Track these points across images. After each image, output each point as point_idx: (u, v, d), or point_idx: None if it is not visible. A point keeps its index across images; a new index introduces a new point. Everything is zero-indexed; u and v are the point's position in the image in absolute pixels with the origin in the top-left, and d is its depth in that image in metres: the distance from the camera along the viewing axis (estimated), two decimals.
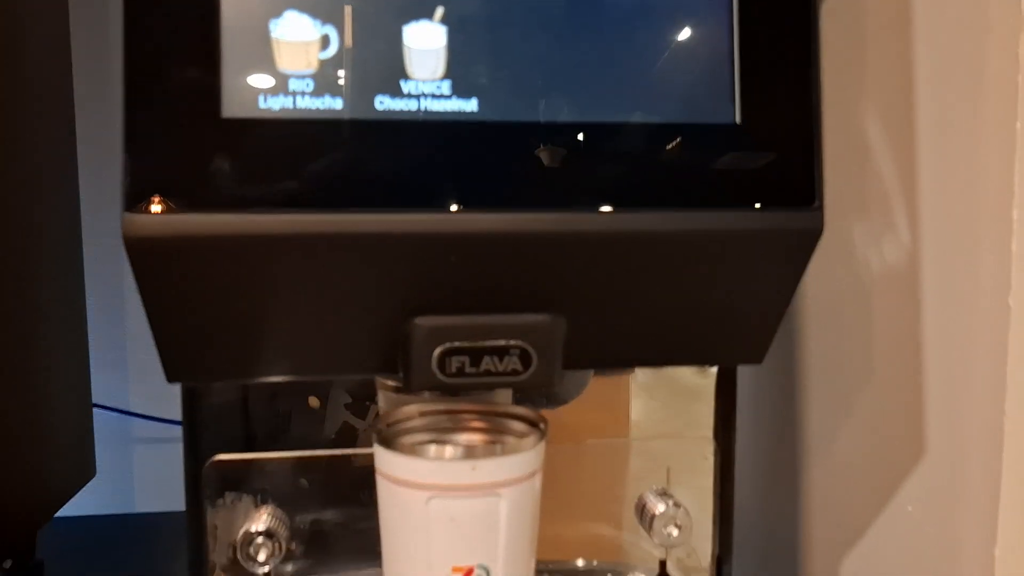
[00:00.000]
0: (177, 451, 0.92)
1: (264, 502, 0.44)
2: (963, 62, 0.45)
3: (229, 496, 0.43)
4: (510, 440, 0.38)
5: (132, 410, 0.89)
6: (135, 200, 0.32)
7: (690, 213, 0.35)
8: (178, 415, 0.88)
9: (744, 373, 0.69)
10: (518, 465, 0.37)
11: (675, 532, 0.45)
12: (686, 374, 0.48)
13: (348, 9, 0.33)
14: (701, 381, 0.47)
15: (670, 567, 0.47)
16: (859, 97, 0.53)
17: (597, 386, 0.48)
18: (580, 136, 0.35)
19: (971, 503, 0.45)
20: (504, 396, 0.43)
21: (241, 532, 0.43)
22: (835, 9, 0.56)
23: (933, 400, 0.47)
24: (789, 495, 0.62)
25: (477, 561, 0.37)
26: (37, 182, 0.64)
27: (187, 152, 0.32)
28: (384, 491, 0.38)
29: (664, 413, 0.47)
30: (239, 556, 0.42)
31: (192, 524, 0.43)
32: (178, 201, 0.32)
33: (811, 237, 0.36)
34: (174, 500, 0.88)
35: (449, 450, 0.36)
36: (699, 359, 0.43)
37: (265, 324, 0.36)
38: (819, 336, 0.59)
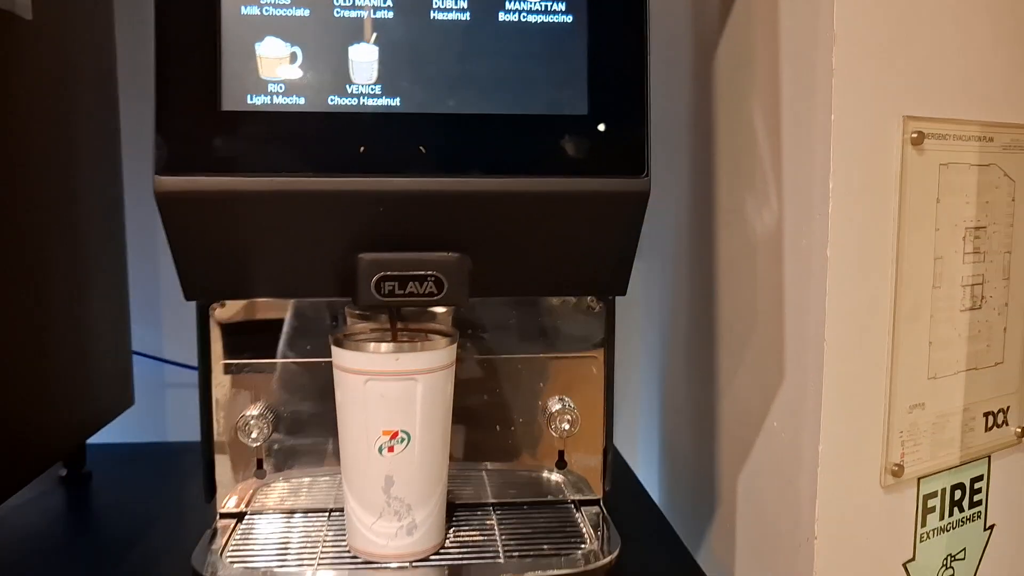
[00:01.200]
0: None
1: (256, 397, 0.59)
2: (804, 71, 0.58)
3: (230, 390, 0.58)
4: (426, 341, 0.52)
5: (166, 358, 1.05)
6: (163, 167, 0.47)
7: (553, 179, 0.49)
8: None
9: (680, 323, 0.83)
10: (430, 359, 0.52)
11: (567, 426, 0.60)
12: (582, 307, 0.62)
13: (309, 34, 0.48)
14: (593, 310, 0.61)
15: (567, 456, 0.62)
16: (749, 97, 0.67)
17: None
18: (473, 124, 0.49)
19: (807, 415, 0.58)
20: (445, 321, 0.57)
21: (241, 415, 0.58)
22: (733, 32, 0.70)
23: (789, 336, 0.61)
24: (708, 423, 0.77)
25: (400, 427, 0.51)
26: (86, 158, 0.80)
27: (198, 133, 0.47)
28: (337, 378, 0.53)
29: (564, 336, 0.62)
30: (238, 433, 0.58)
31: (204, 413, 0.58)
32: (192, 167, 0.47)
33: (643, 197, 0.50)
34: (198, 432, 1.05)
35: (383, 347, 0.51)
36: (572, 291, 0.57)
37: (255, 258, 0.51)
38: (726, 288, 0.73)
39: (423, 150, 0.48)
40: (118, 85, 0.87)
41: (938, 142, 0.59)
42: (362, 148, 0.48)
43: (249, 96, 0.48)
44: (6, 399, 0.63)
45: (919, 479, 0.62)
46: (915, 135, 0.57)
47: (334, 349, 0.52)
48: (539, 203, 0.50)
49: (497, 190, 0.49)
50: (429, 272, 0.51)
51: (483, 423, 0.61)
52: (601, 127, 0.49)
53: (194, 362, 1.04)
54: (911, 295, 0.58)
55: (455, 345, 0.54)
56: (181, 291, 0.52)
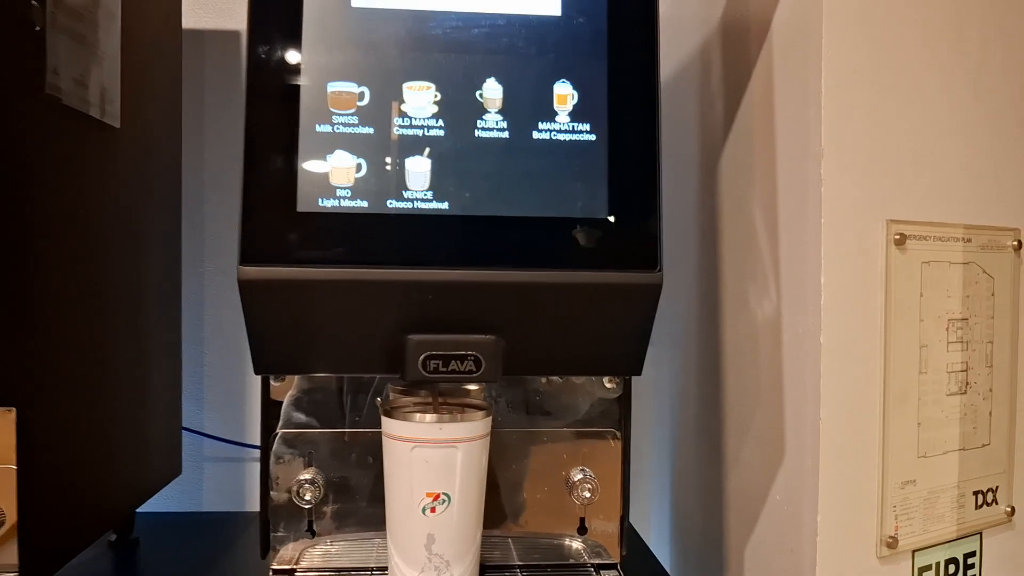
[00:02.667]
0: (238, 466, 1.14)
1: (309, 463, 0.66)
2: (797, 180, 0.66)
3: (287, 456, 0.65)
4: (466, 413, 0.59)
5: (208, 432, 1.12)
6: (246, 258, 0.55)
7: (577, 272, 0.57)
8: (239, 437, 1.11)
9: (689, 401, 0.89)
10: (470, 429, 0.59)
11: (588, 494, 0.66)
12: (601, 385, 0.69)
13: (372, 148, 0.57)
14: (611, 390, 0.68)
15: (588, 523, 0.68)
16: (750, 200, 0.76)
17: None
18: (509, 224, 0.57)
19: (806, 488, 0.64)
20: (477, 396, 0.65)
21: (295, 479, 0.64)
22: (735, 142, 0.79)
23: (789, 414, 0.67)
24: (716, 497, 0.82)
25: (442, 490, 0.58)
26: (153, 249, 0.89)
27: (276, 230, 0.55)
28: (386, 445, 0.60)
29: (586, 413, 0.68)
30: (292, 496, 0.64)
31: (263, 476, 0.65)
32: (270, 259, 0.55)
33: (656, 289, 0.57)
34: (234, 502, 1.11)
35: (427, 417, 0.58)
36: (592, 371, 0.64)
37: (319, 338, 0.58)
38: (731, 370, 0.80)
39: (466, 246, 0.57)
40: (181, 184, 0.97)
41: (920, 242, 0.66)
42: (415, 244, 0.56)
43: (320, 199, 0.56)
44: (73, 469, 0.70)
45: (914, 552, 0.67)
46: (898, 236, 0.65)
47: (384, 419, 0.59)
48: (564, 293, 0.58)
49: (528, 281, 0.57)
50: (469, 352, 0.58)
51: (511, 491, 0.67)
52: (619, 228, 0.57)
53: (231, 437, 1.12)
54: (899, 379, 0.65)
55: (490, 417, 0.61)
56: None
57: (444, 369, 0.58)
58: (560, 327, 0.59)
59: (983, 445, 0.72)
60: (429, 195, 0.57)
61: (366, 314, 0.58)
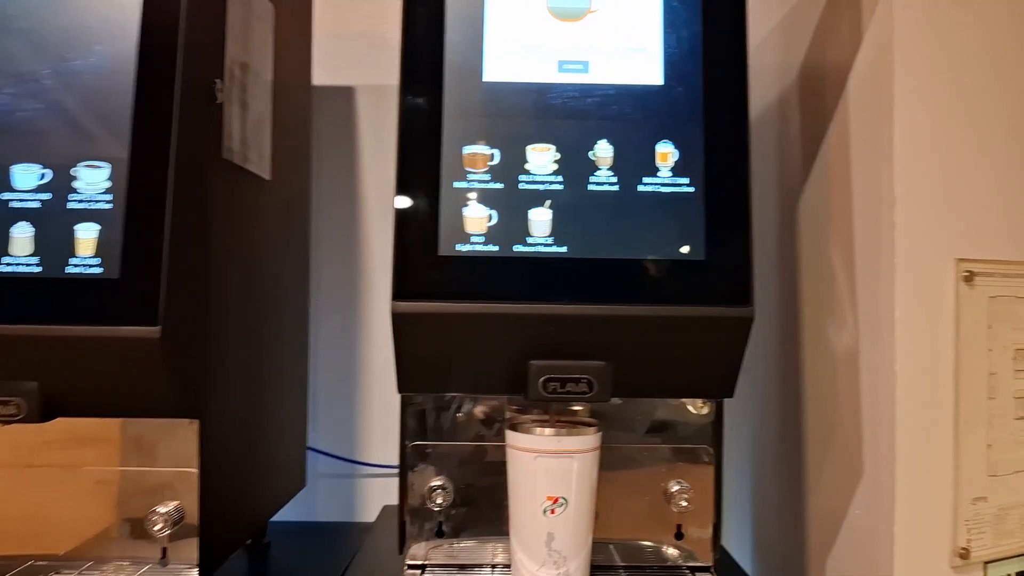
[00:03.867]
0: (346, 482, 1.24)
1: (440, 472, 0.75)
2: (871, 223, 0.74)
3: (420, 466, 0.75)
4: (579, 429, 0.69)
5: (321, 449, 1.23)
6: (398, 294, 0.65)
7: (677, 307, 0.66)
8: (348, 454, 1.21)
9: (770, 427, 0.97)
10: (584, 442, 0.68)
11: (684, 503, 0.74)
12: (694, 407, 0.77)
13: (502, 200, 0.67)
14: (703, 411, 0.76)
15: (684, 529, 0.76)
16: (828, 240, 0.83)
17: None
18: (620, 266, 0.66)
19: (883, 502, 0.71)
20: (585, 415, 0.74)
21: (427, 486, 0.74)
22: (813, 187, 0.87)
23: (866, 436, 0.74)
24: (796, 516, 0.89)
25: (561, 494, 0.67)
26: (291, 285, 1.00)
27: (421, 270, 0.66)
28: (510, 455, 0.69)
29: (681, 429, 0.77)
30: (425, 501, 0.74)
31: (401, 482, 0.75)
32: (417, 295, 0.65)
33: (748, 321, 0.66)
34: (343, 514, 1.20)
35: (547, 431, 0.67)
36: (689, 393, 0.73)
37: (454, 362, 0.68)
38: (811, 396, 0.87)
39: (583, 285, 0.66)
40: (309, 228, 1.09)
41: (987, 279, 0.73)
42: (539, 283, 0.66)
43: (457, 245, 0.66)
44: (236, 476, 0.81)
45: (986, 563, 0.73)
46: (966, 274, 0.71)
47: (509, 433, 0.69)
48: (665, 325, 0.66)
49: (635, 315, 0.66)
50: (584, 375, 0.67)
51: (615, 500, 0.76)
52: (714, 268, 0.66)
53: (341, 454, 1.22)
54: (969, 404, 0.71)
55: (601, 433, 0.70)
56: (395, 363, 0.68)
57: (561, 390, 0.67)
58: (662, 355, 0.68)
59: None
60: (550, 240, 0.66)
61: (495, 342, 0.67)
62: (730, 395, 0.70)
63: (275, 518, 1.05)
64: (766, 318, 0.98)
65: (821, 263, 0.84)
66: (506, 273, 0.66)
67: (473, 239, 0.66)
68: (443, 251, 0.66)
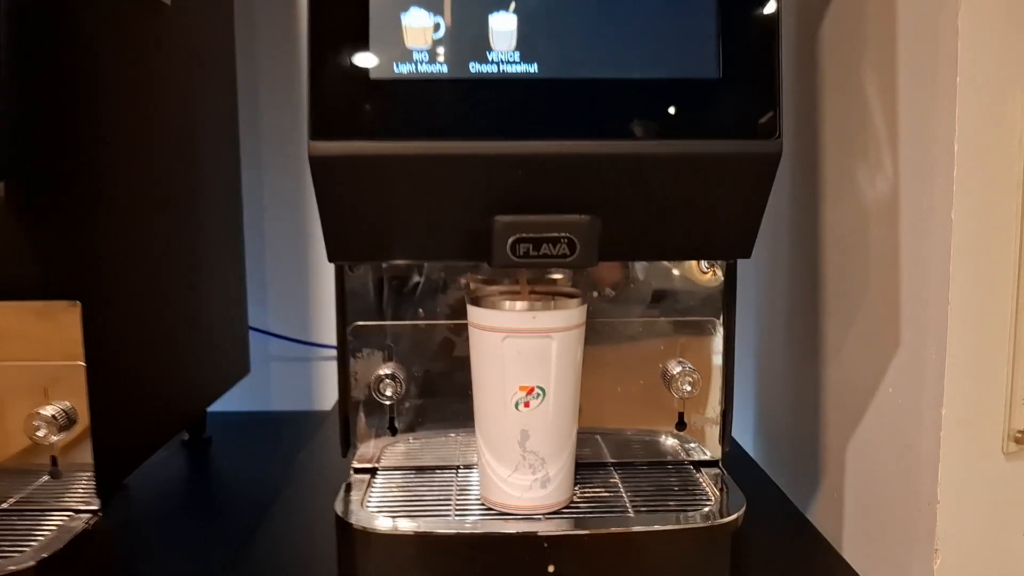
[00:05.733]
0: (303, 366, 1.12)
1: (389, 357, 0.62)
2: (926, 36, 0.58)
3: (364, 351, 0.61)
4: (559, 301, 0.54)
5: (273, 332, 1.09)
6: (316, 132, 0.49)
7: (684, 142, 0.51)
8: (305, 337, 1.08)
9: (779, 293, 0.84)
10: (564, 318, 0.54)
11: (688, 388, 0.61)
12: (699, 271, 0.63)
13: (452, 4, 0.50)
14: (709, 276, 0.62)
15: (687, 418, 0.63)
16: (859, 65, 0.67)
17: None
18: (608, 89, 0.50)
19: (928, 378, 0.58)
20: (565, 285, 0.60)
21: (374, 375, 0.61)
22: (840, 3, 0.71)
23: (905, 300, 0.61)
24: (811, 390, 0.77)
25: (536, 383, 0.53)
26: (209, 139, 0.84)
27: (348, 101, 0.50)
28: (473, 336, 0.55)
29: (683, 299, 0.63)
30: (372, 392, 0.60)
31: (341, 371, 0.61)
32: (342, 133, 0.50)
33: (774, 159, 0.51)
34: (300, 402, 1.09)
35: (518, 305, 0.53)
36: (697, 255, 0.58)
37: (396, 221, 0.53)
38: (832, 255, 0.73)
39: (558, 113, 0.50)
40: (236, 69, 0.91)
41: None
42: (501, 112, 0.50)
43: (395, 65, 0.50)
44: (142, 366, 0.67)
45: None
46: None
47: (471, 308, 0.55)
48: (670, 166, 0.51)
49: (630, 153, 0.51)
50: (563, 234, 0.52)
51: (604, 385, 0.63)
52: (733, 91, 0.50)
53: (298, 336, 1.09)
54: None
55: (585, 306, 0.56)
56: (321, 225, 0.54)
57: (535, 253, 0.52)
58: (664, 205, 0.53)
59: None
60: (516, 56, 0.50)
61: (448, 193, 0.52)
62: (747, 254, 0.56)
63: (224, 408, 0.94)
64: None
65: (850, 94, 0.69)
66: (459, 101, 0.50)
67: (415, 56, 0.50)
68: (376, 74, 0.50)
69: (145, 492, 0.73)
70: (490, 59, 0.50)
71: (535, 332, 0.53)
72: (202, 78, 0.81)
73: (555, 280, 0.60)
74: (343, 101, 0.50)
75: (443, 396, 0.62)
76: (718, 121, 0.51)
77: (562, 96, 0.50)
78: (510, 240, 0.52)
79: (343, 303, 0.60)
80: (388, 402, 0.61)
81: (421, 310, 0.62)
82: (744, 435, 0.94)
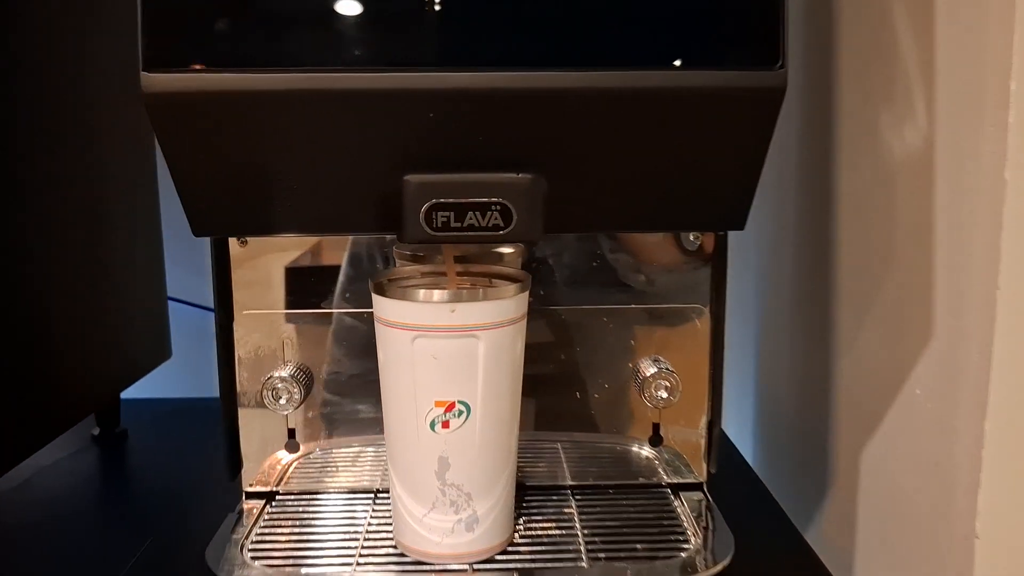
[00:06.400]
0: None
1: (287, 355, 0.49)
2: None
3: (256, 346, 0.48)
4: (489, 289, 0.41)
5: (208, 305, 0.96)
6: (152, 61, 0.36)
7: (660, 72, 0.37)
8: None
9: (784, 272, 0.70)
10: (496, 311, 0.40)
11: (664, 394, 0.48)
12: (682, 244, 0.50)
13: None
14: (694, 249, 0.49)
15: (663, 430, 0.50)
16: None
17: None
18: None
19: (967, 380, 0.46)
20: (513, 263, 0.46)
21: (266, 377, 0.48)
22: None
23: (941, 283, 0.48)
24: (820, 387, 0.64)
25: (457, 397, 0.40)
26: (107, 86, 0.70)
27: (194, 18, 0.36)
28: (379, 333, 0.42)
29: (660, 283, 0.49)
30: (264, 398, 0.48)
31: (223, 373, 0.48)
32: (189, 61, 0.36)
33: (775, 96, 0.37)
34: None
35: (435, 295, 0.40)
36: (679, 224, 0.45)
37: (275, 183, 0.40)
38: (848, 224, 0.60)
39: (485, 30, 0.37)
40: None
41: None
42: (408, 34, 0.37)
43: None
44: (32, 349, 0.54)
45: None
46: None
47: (375, 298, 0.42)
48: (639, 105, 0.38)
49: (583, 87, 0.37)
50: (494, 199, 0.39)
51: (560, 389, 0.50)
52: (722, 3, 0.37)
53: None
54: None
55: (527, 292, 0.42)
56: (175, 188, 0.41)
57: (458, 224, 0.39)
58: (632, 159, 0.40)
59: None
60: None
61: (340, 145, 0.39)
62: (740, 225, 0.43)
63: (148, 395, 0.83)
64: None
65: (871, 26, 0.55)
66: (345, 14, 0.37)
67: None
68: None
69: (22, 498, 0.62)
70: None
71: (455, 330, 0.40)
72: (95, 17, 0.67)
73: (498, 257, 0.47)
74: (186, 18, 0.36)
75: (358, 401, 0.49)
76: (703, 45, 0.37)
77: (492, 6, 0.37)
78: (424, 207, 0.39)
79: (225, 286, 0.47)
80: (285, 412, 0.48)
81: (330, 295, 0.49)
82: (742, 437, 0.82)
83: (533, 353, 0.45)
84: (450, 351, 0.40)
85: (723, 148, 0.39)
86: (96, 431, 0.78)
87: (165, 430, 0.82)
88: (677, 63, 0.37)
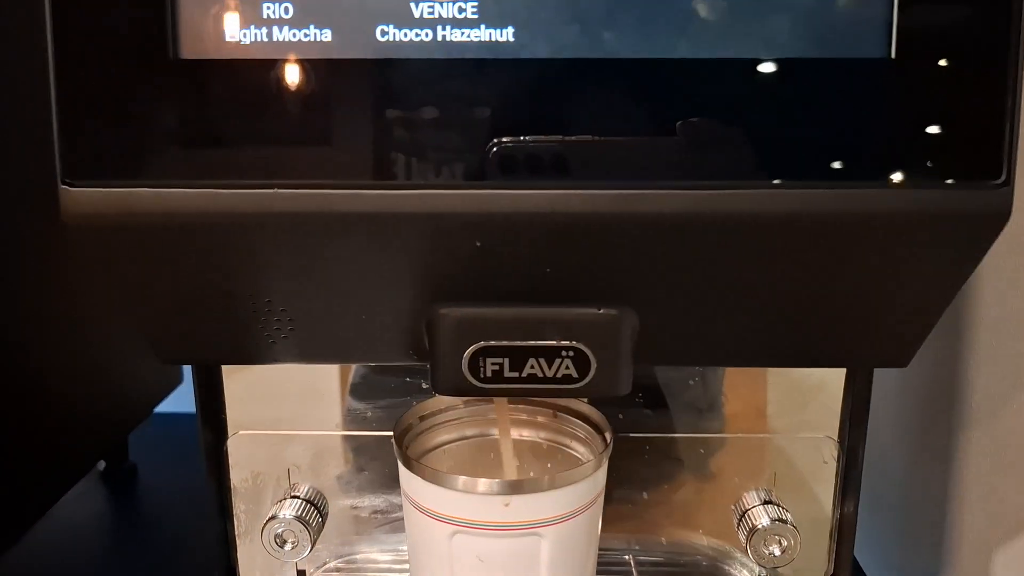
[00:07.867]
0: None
1: (294, 488, 0.38)
2: None
3: (255, 475, 0.38)
4: (557, 475, 0.30)
5: None
6: (74, 171, 0.25)
7: (808, 190, 0.25)
8: None
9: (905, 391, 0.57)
10: (566, 500, 0.29)
11: (777, 551, 0.37)
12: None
13: None
14: (826, 371, 0.37)
15: None
16: None
17: None
18: (658, 77, 0.25)
19: None
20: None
21: (267, 519, 0.37)
22: None
23: None
24: (938, 492, 0.51)
25: None
26: None
27: (133, 106, 0.25)
28: (408, 514, 0.31)
29: (778, 406, 0.38)
30: (264, 543, 0.37)
31: (217, 509, 0.38)
32: (127, 171, 0.25)
33: (994, 222, 0.25)
34: None
35: (481, 482, 0.29)
36: (827, 362, 0.33)
37: (256, 308, 0.29)
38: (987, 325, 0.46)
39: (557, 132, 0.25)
40: None
41: None
42: (440, 131, 0.25)
43: (229, 32, 0.25)
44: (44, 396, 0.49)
45: None
46: None
47: (402, 471, 0.31)
48: (800, 230, 0.26)
49: (706, 210, 0.25)
50: (565, 343, 0.28)
51: (640, 537, 0.39)
52: (917, 82, 0.24)
53: None
54: None
55: (604, 466, 0.31)
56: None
57: (514, 374, 0.28)
58: (774, 291, 0.28)
59: None
60: (470, 13, 0.24)
61: (343, 269, 0.28)
62: (905, 362, 0.31)
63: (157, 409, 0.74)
64: None
65: None
66: (360, 102, 0.25)
67: (269, 12, 0.25)
68: (187, 50, 0.25)
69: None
70: (418, 19, 0.25)
71: (510, 527, 0.29)
72: None
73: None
74: (122, 108, 0.25)
75: (389, 545, 0.39)
76: (879, 148, 0.25)
77: (558, 93, 0.25)
78: (468, 351, 0.28)
79: (216, 404, 0.37)
80: (294, 559, 0.38)
81: (346, 411, 0.38)
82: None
83: (606, 489, 0.34)
84: (503, 553, 0.29)
85: (904, 279, 0.27)
86: (102, 466, 0.71)
87: (174, 460, 0.75)
88: (846, 177, 0.25)
